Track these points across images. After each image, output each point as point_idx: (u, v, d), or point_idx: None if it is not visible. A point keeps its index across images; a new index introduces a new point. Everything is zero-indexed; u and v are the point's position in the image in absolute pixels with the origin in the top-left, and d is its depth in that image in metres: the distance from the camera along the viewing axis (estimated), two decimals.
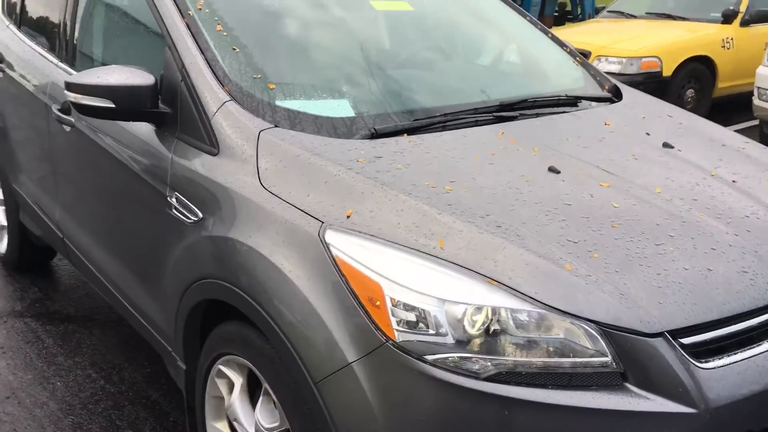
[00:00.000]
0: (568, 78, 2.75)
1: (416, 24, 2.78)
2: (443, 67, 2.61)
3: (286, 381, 1.73)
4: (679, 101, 7.46)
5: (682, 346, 1.50)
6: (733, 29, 7.83)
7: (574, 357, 1.48)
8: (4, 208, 3.86)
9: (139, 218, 2.34)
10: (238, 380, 1.99)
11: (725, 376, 1.51)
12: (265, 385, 1.85)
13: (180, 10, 2.28)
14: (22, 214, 3.62)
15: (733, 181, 1.99)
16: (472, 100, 2.32)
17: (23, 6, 3.54)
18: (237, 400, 2.00)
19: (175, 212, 2.09)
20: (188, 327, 2.13)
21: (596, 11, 10.73)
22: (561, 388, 1.47)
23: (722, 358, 1.54)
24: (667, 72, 7.27)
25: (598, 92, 2.65)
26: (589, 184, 1.86)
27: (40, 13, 3.31)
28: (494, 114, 2.24)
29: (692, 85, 7.57)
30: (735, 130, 7.95)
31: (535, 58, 2.88)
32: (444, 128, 2.12)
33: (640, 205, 1.79)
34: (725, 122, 7.58)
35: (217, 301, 1.98)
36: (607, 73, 7.24)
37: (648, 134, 2.26)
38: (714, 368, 1.51)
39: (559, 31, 8.75)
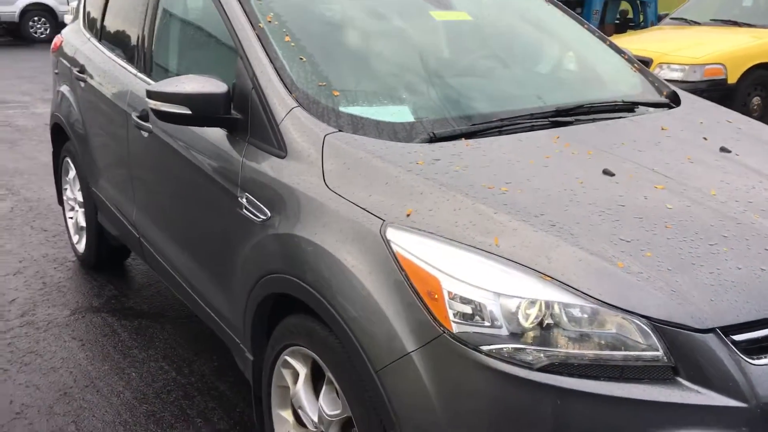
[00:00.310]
0: (626, 84, 2.79)
1: (475, 33, 2.87)
2: (501, 75, 2.69)
3: (349, 370, 1.83)
4: (744, 109, 7.31)
5: (734, 342, 1.54)
6: None
7: (625, 351, 1.54)
8: (83, 210, 4.10)
9: (211, 217, 2.49)
10: (303, 370, 2.11)
11: None
12: (329, 374, 1.95)
13: (251, 23, 2.43)
14: (100, 216, 3.84)
15: None
16: (529, 106, 2.39)
17: (103, 20, 3.77)
18: (302, 390, 2.11)
19: (246, 212, 2.23)
20: (256, 320, 2.26)
21: (659, 18, 10.57)
22: (613, 380, 1.52)
23: None
24: (732, 79, 7.14)
25: (656, 98, 2.68)
26: (643, 186, 1.91)
27: (120, 27, 3.52)
28: (550, 119, 2.30)
29: (759, 93, 7.42)
30: None
31: (592, 64, 2.92)
32: (500, 133, 2.20)
33: (695, 206, 1.83)
34: None
35: (283, 295, 2.10)
36: (670, 81, 7.17)
37: (705, 139, 2.29)
38: (765, 365, 1.54)
39: (620, 39, 8.69)
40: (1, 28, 17.74)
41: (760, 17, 8.27)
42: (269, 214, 2.13)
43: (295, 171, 2.09)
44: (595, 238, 1.68)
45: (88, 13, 4.09)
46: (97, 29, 3.83)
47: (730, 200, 1.87)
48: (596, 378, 1.52)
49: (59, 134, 4.27)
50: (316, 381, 2.10)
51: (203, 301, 2.69)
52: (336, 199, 1.93)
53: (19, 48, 16.29)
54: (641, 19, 13.08)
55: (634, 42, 8.05)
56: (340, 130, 2.12)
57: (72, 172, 4.19)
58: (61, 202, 4.55)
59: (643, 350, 1.53)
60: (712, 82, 7.07)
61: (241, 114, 2.32)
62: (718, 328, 1.53)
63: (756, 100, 7.40)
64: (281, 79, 2.25)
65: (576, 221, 1.74)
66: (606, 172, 1.96)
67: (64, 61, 4.10)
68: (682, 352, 1.52)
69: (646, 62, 7.32)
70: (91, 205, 3.91)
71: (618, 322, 1.55)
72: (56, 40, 4.41)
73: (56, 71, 4.30)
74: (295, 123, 2.16)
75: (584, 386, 1.51)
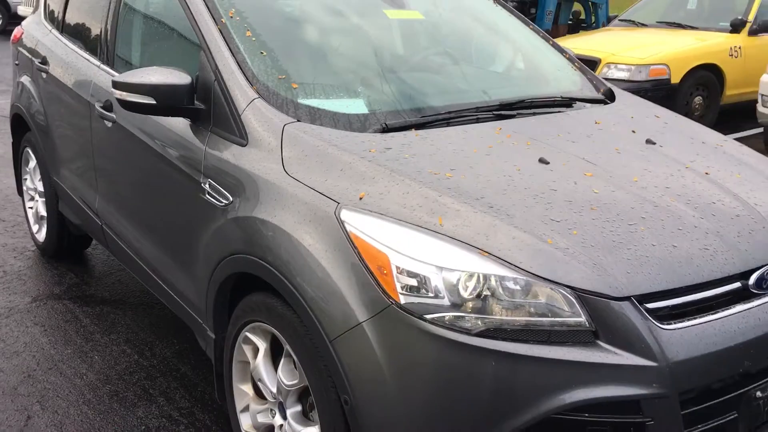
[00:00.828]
0: (566, 82, 2.99)
1: (426, 31, 3.04)
2: (449, 71, 2.86)
3: (305, 341, 1.99)
4: (687, 108, 7.65)
5: (647, 310, 1.74)
6: (742, 38, 8.02)
7: (552, 317, 1.72)
8: (44, 199, 4.15)
9: (175, 203, 2.61)
10: (263, 345, 2.25)
11: (684, 336, 1.74)
12: (287, 347, 2.10)
13: (214, 18, 2.56)
14: (61, 205, 3.91)
15: (706, 173, 2.23)
16: (475, 100, 2.57)
17: (65, 13, 3.84)
18: (261, 363, 2.26)
19: (208, 197, 2.36)
20: (218, 300, 2.40)
21: (609, 20, 10.93)
22: (541, 344, 1.71)
23: (683, 321, 1.77)
24: (675, 79, 7.46)
25: (593, 94, 2.89)
26: (574, 174, 2.10)
27: (83, 20, 3.60)
28: (494, 112, 2.49)
29: (700, 93, 7.76)
30: (741, 137, 8.11)
31: (536, 62, 3.13)
32: (448, 124, 2.37)
33: (618, 191, 2.03)
34: (733, 130, 7.80)
35: (244, 275, 2.24)
36: (617, 80, 7.48)
37: (634, 132, 2.50)
38: (674, 329, 1.75)
39: (571, 39, 8.99)
40: None
41: (703, 20, 8.65)
42: (231, 199, 2.27)
43: (255, 158, 2.23)
44: (529, 219, 1.86)
45: (48, 5, 4.15)
46: (58, 21, 3.89)
47: (650, 186, 2.08)
48: (527, 342, 1.71)
49: (19, 125, 4.32)
50: (275, 356, 2.24)
51: (167, 285, 2.81)
52: (294, 184, 2.08)
53: None
54: (593, 20, 13.45)
55: (583, 42, 8.34)
56: (298, 120, 2.26)
57: (32, 162, 4.24)
58: (20, 192, 4.59)
59: (568, 317, 1.72)
60: (656, 81, 7.37)
61: (204, 104, 2.45)
62: (633, 296, 1.73)
63: (698, 99, 7.75)
64: (243, 72, 2.39)
65: (512, 204, 1.92)
66: (542, 161, 2.15)
67: (25, 53, 4.14)
68: (601, 318, 1.71)
69: (594, 62, 7.60)
70: (51, 194, 3.98)
71: (547, 293, 1.73)
72: (16, 31, 4.44)
73: (16, 62, 4.34)
74: (255, 113, 2.30)
75: (515, 349, 1.69)
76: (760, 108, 6.44)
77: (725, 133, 2.91)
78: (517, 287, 1.74)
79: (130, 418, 2.81)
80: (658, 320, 1.75)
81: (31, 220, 4.42)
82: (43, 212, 4.20)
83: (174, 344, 3.35)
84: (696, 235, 1.90)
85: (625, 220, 1.91)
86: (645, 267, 1.78)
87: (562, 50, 3.24)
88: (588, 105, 2.78)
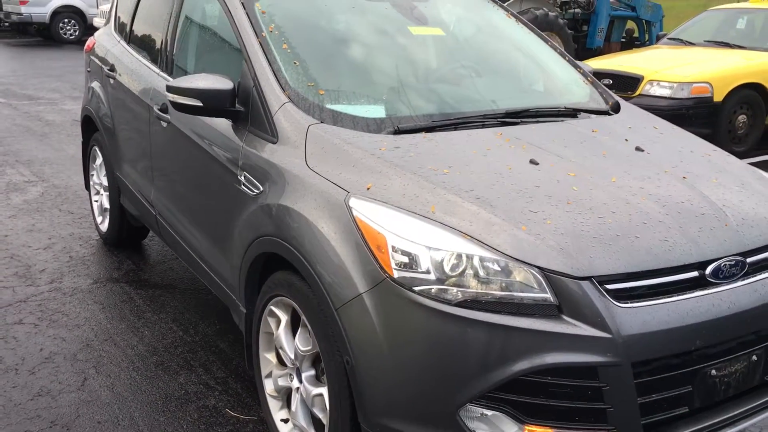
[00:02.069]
0: (576, 94, 3.25)
1: (446, 46, 3.35)
2: (465, 82, 3.16)
3: (317, 311, 2.30)
4: (730, 126, 7.72)
5: (607, 290, 2.00)
6: None
7: (523, 293, 2.00)
8: (108, 193, 4.61)
9: (215, 193, 2.98)
10: (284, 317, 2.58)
11: (638, 314, 1.99)
12: (303, 317, 2.42)
13: (255, 32, 2.92)
14: (122, 198, 4.35)
15: (684, 177, 2.46)
16: (484, 109, 2.86)
17: (132, 25, 4.29)
18: (282, 333, 2.59)
19: (244, 187, 2.71)
20: (249, 277, 2.74)
21: (657, 38, 11.00)
22: (511, 315, 1.98)
23: (639, 302, 2.02)
24: (718, 98, 7.54)
25: (598, 106, 3.13)
26: (559, 173, 2.37)
27: (146, 31, 4.04)
28: (500, 119, 2.77)
29: (744, 111, 7.81)
30: None
31: (547, 76, 3.39)
32: (455, 129, 2.67)
33: (595, 189, 2.29)
34: None
35: (271, 255, 2.58)
36: (659, 97, 7.60)
37: (626, 139, 2.74)
38: (629, 308, 2.00)
39: (617, 56, 9.13)
40: (32, 28, 18.48)
41: (752, 40, 8.69)
42: (261, 188, 2.61)
43: (283, 153, 2.57)
44: (509, 210, 2.14)
45: (119, 18, 4.62)
46: (126, 33, 4.35)
47: (626, 186, 2.33)
48: (499, 312, 1.98)
49: (89, 125, 4.80)
50: (294, 327, 2.57)
51: (208, 267, 3.18)
52: (313, 176, 2.42)
53: (49, 48, 17.01)
54: (646, 39, 13.51)
55: (628, 59, 8.49)
56: (322, 122, 2.60)
57: (99, 160, 4.71)
58: (87, 187, 5.07)
59: (536, 293, 1.99)
60: (698, 99, 7.47)
61: (244, 107, 2.81)
62: (593, 277, 1.99)
63: (741, 117, 7.80)
64: (277, 79, 2.74)
65: (497, 196, 2.20)
66: (532, 162, 2.43)
67: (96, 61, 4.63)
68: (564, 295, 1.98)
69: (637, 79, 7.76)
70: (115, 188, 4.43)
71: (518, 272, 2.01)
72: (89, 41, 4.95)
73: (88, 69, 4.83)
74: (285, 115, 2.65)
75: (488, 318, 1.97)
76: None
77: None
78: (494, 266, 2.02)
79: (173, 383, 3.18)
80: (615, 299, 2.00)
81: (96, 212, 4.89)
82: (107, 205, 4.66)
83: (215, 324, 3.73)
84: (659, 229, 2.15)
85: (596, 213, 2.16)
86: (606, 253, 2.04)
87: (577, 65, 3.49)
88: (592, 116, 3.03)
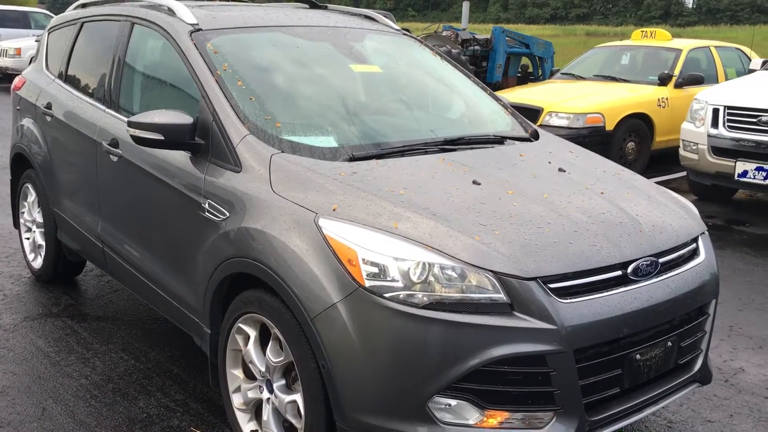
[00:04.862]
0: (500, 123, 3.64)
1: (384, 82, 3.67)
2: (404, 114, 3.49)
3: (291, 323, 2.52)
4: (621, 152, 8.45)
5: (550, 288, 2.33)
6: (668, 90, 8.93)
7: (479, 294, 2.30)
8: (42, 230, 4.62)
9: (177, 222, 3.14)
10: (253, 333, 2.78)
11: (576, 308, 2.34)
12: (274, 331, 2.63)
13: (210, 71, 3.14)
14: (60, 233, 4.39)
15: (602, 193, 2.86)
16: (424, 137, 3.19)
17: (68, 64, 4.38)
18: (252, 348, 2.78)
19: (208, 214, 2.90)
20: (215, 299, 2.92)
21: (552, 74, 11.85)
22: (470, 314, 2.28)
23: (576, 297, 2.37)
24: (610, 126, 8.27)
25: (521, 134, 3.53)
26: (499, 192, 2.71)
27: (87, 71, 4.15)
28: (439, 147, 3.10)
29: (633, 139, 8.59)
30: (669, 179, 8.91)
31: (475, 108, 3.77)
32: (402, 155, 2.97)
33: (531, 204, 2.64)
34: (663, 172, 8.62)
35: (236, 277, 2.77)
36: (557, 127, 8.25)
37: (550, 162, 3.13)
38: (570, 303, 2.34)
39: (518, 90, 9.81)
40: None
41: (634, 74, 9.57)
42: (227, 214, 2.81)
43: (248, 181, 2.79)
44: (462, 223, 2.45)
45: (48, 57, 4.69)
46: (61, 72, 4.43)
47: (557, 201, 2.70)
48: (460, 312, 2.28)
49: (19, 163, 4.80)
50: (263, 341, 2.76)
51: (166, 293, 3.32)
52: (281, 200, 2.65)
53: None
54: (540, 73, 14.47)
55: (528, 93, 9.15)
56: (282, 152, 2.84)
57: (31, 197, 4.72)
58: (16, 225, 5.04)
59: (491, 293, 2.30)
60: (592, 128, 8.16)
61: (203, 140, 3.01)
62: (538, 278, 2.32)
63: (630, 144, 8.56)
64: (236, 114, 2.96)
65: (450, 212, 2.51)
66: (475, 182, 2.76)
67: (28, 99, 4.66)
68: (515, 294, 2.30)
69: (537, 111, 8.39)
70: (51, 223, 4.45)
71: (475, 276, 2.31)
72: (17, 80, 4.96)
73: (18, 108, 4.85)
74: (247, 146, 2.87)
75: (450, 317, 2.26)
76: (681, 152, 7.22)
77: (655, 176, 3.54)
78: (453, 272, 2.31)
79: (133, 408, 3.27)
80: (557, 296, 2.34)
81: (27, 249, 4.87)
82: (41, 241, 4.66)
83: (165, 351, 3.83)
84: (588, 236, 2.52)
85: (535, 224, 2.51)
86: (547, 257, 2.38)
87: (497, 98, 3.90)
88: (516, 142, 3.41)
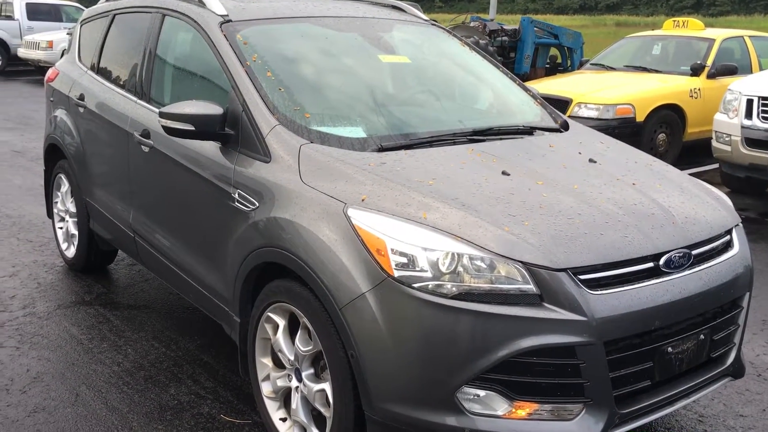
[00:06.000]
0: (529, 114, 3.61)
1: (413, 72, 3.66)
2: (432, 105, 3.47)
3: (320, 312, 2.53)
4: (651, 144, 8.34)
5: (580, 280, 2.32)
6: (701, 81, 8.78)
7: (509, 285, 2.29)
8: (75, 219, 4.69)
9: (207, 211, 3.17)
10: (282, 322, 2.80)
11: (607, 300, 2.32)
12: (303, 320, 2.65)
13: (240, 62, 3.16)
14: (92, 223, 4.45)
15: (633, 184, 2.83)
16: (453, 128, 3.17)
17: (101, 56, 4.44)
18: (281, 337, 2.80)
19: (238, 204, 2.93)
20: (244, 288, 2.94)
21: (581, 64, 11.72)
22: (499, 305, 2.27)
23: (607, 289, 2.35)
24: (640, 118, 8.16)
25: (550, 124, 3.50)
26: (529, 182, 2.69)
27: (119, 62, 4.20)
28: (468, 137, 3.09)
29: (664, 130, 8.46)
30: (701, 171, 8.75)
31: (504, 98, 3.75)
32: (431, 146, 2.96)
33: (561, 195, 2.62)
34: (694, 164, 8.50)
35: (266, 266, 2.79)
36: (586, 118, 8.16)
37: (580, 153, 3.10)
38: (600, 294, 2.32)
39: (546, 81, 9.72)
40: None
41: (666, 65, 9.43)
42: (257, 204, 2.83)
43: (277, 171, 2.81)
44: (492, 213, 2.44)
45: (81, 49, 4.75)
46: (93, 63, 4.49)
47: (587, 192, 2.67)
48: (489, 303, 2.27)
49: (53, 154, 4.88)
50: (292, 331, 2.78)
51: (196, 282, 3.35)
52: (310, 191, 2.66)
53: None
54: (569, 64, 14.32)
55: (557, 84, 9.06)
56: (311, 142, 2.85)
57: (64, 187, 4.79)
58: (50, 214, 5.12)
59: (521, 284, 2.29)
60: (622, 120, 8.06)
61: (233, 130, 3.03)
62: (568, 269, 2.30)
63: (661, 136, 8.45)
64: (266, 105, 2.98)
65: (479, 203, 2.50)
66: (504, 173, 2.74)
67: (61, 90, 4.73)
68: (545, 285, 2.28)
69: (567, 102, 8.30)
70: (83, 213, 4.52)
71: (505, 266, 2.30)
72: (50, 72, 5.04)
73: (51, 99, 4.92)
74: (276, 137, 2.88)
75: (480, 308, 2.25)
76: (714, 144, 7.11)
77: (686, 168, 3.50)
78: (483, 263, 2.31)
79: (164, 395, 3.32)
80: (588, 287, 2.32)
81: (61, 238, 4.95)
82: (74, 231, 4.74)
83: (196, 339, 3.88)
84: (619, 227, 2.49)
85: (565, 215, 2.49)
86: (578, 248, 2.36)
87: (527, 89, 3.86)
88: (546, 133, 3.38)
